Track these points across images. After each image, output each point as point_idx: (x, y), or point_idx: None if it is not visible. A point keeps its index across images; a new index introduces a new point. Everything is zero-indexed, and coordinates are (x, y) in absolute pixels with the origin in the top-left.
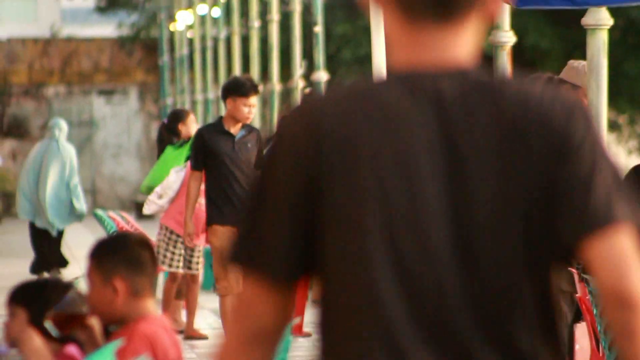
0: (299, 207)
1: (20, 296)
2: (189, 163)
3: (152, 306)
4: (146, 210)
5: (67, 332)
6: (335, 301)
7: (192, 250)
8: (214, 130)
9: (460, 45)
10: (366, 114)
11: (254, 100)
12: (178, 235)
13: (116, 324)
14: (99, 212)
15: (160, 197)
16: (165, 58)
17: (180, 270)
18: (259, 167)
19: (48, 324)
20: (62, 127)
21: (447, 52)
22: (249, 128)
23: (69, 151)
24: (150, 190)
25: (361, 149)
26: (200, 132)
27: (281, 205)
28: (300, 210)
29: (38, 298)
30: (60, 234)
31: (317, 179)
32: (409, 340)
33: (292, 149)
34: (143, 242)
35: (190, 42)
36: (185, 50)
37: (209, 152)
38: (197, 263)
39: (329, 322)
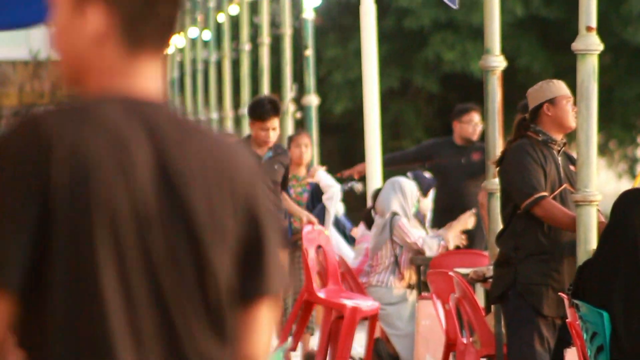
0: (30, 223)
1: None
2: None
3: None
4: None
5: None
6: (58, 311)
7: None
8: None
9: (161, 77)
10: (93, 133)
11: (273, 123)
12: None
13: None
14: None
15: None
16: None
17: None
18: (284, 188)
19: None
20: None
21: (155, 83)
22: (277, 149)
23: None
24: None
25: (90, 166)
26: None
27: (15, 222)
28: (31, 226)
29: None
30: None
31: (47, 196)
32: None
33: (19, 169)
34: None
35: (181, 65)
36: (175, 73)
37: None
38: None
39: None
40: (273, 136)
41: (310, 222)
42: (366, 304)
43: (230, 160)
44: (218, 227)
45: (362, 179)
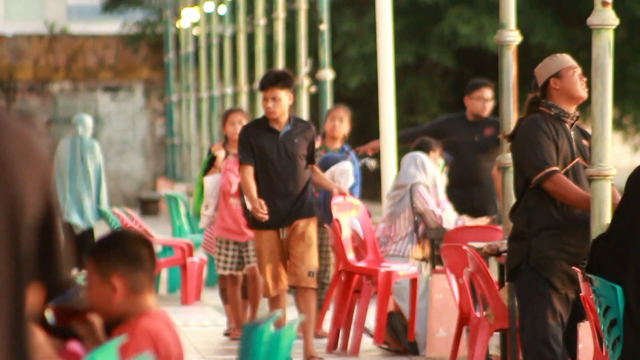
0: None
1: None
2: (223, 164)
3: (153, 302)
4: (201, 225)
5: (67, 325)
6: None
7: (244, 246)
8: (257, 127)
9: None
10: None
11: (277, 93)
12: (227, 240)
13: (117, 322)
14: (104, 208)
15: (207, 207)
16: (170, 55)
17: (237, 272)
18: (312, 161)
19: (48, 314)
20: (86, 124)
21: None
22: (296, 123)
23: (95, 148)
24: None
25: None
26: (244, 130)
27: None
28: None
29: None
30: (91, 232)
31: None
32: None
33: None
34: (140, 239)
35: (196, 39)
36: (190, 48)
37: (251, 148)
38: (252, 256)
39: None
40: (274, 107)
41: (341, 194)
42: (404, 268)
43: (34, 142)
44: (26, 198)
45: (376, 155)
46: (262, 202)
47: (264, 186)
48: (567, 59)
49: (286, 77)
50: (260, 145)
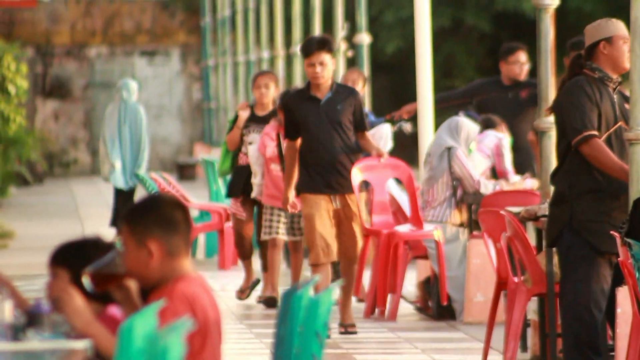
0: None
1: (61, 256)
2: (263, 132)
3: (190, 266)
4: (253, 194)
5: (103, 290)
6: None
7: (293, 216)
8: (298, 97)
9: None
10: None
11: (323, 58)
12: (272, 207)
13: (154, 287)
14: (141, 173)
15: (255, 176)
16: (207, 19)
17: (283, 237)
18: (361, 128)
19: (85, 280)
20: (130, 88)
21: None
22: (338, 89)
23: (139, 113)
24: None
25: None
26: (285, 101)
27: None
28: None
29: (79, 257)
30: (133, 191)
31: None
32: None
33: None
34: (175, 202)
35: (233, 3)
36: (227, 12)
37: (296, 121)
38: (300, 229)
39: None
40: (322, 71)
41: (379, 155)
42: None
43: None
44: None
45: (412, 118)
46: (294, 201)
47: (311, 156)
48: (622, 27)
49: (331, 42)
50: (303, 115)
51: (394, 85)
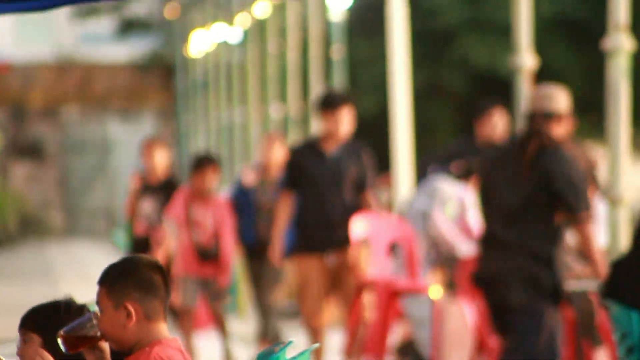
0: None
1: (33, 321)
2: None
3: (165, 330)
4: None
5: (76, 352)
6: None
7: (209, 284)
8: (306, 151)
9: None
10: None
11: (345, 112)
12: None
13: (128, 350)
14: (116, 233)
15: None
16: (180, 82)
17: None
18: (360, 187)
19: (59, 342)
20: None
21: None
22: (347, 146)
23: None
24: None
25: None
26: (292, 153)
27: None
28: None
29: (51, 322)
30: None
31: None
32: None
33: None
34: (154, 265)
35: (205, 66)
36: (199, 76)
37: (300, 174)
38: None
39: None
40: (347, 125)
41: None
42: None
43: None
44: None
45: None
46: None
47: (311, 209)
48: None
49: (353, 97)
50: (309, 169)
51: (372, 146)
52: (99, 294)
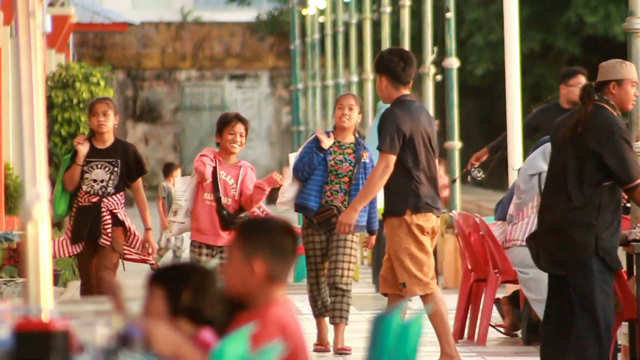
0: None
1: (158, 277)
2: (199, 154)
3: (283, 292)
4: (170, 233)
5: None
6: None
7: (223, 253)
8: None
9: None
10: None
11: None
12: (208, 248)
13: (243, 303)
14: None
15: (175, 213)
16: (296, 43)
17: None
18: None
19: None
20: None
21: None
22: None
23: None
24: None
25: None
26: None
27: None
28: None
29: (175, 278)
30: None
31: None
32: None
33: None
34: (289, 231)
35: (322, 26)
36: (317, 35)
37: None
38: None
39: None
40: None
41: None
42: None
43: None
44: None
45: (483, 164)
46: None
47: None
48: (632, 71)
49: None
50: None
51: (482, 108)
52: (232, 242)
